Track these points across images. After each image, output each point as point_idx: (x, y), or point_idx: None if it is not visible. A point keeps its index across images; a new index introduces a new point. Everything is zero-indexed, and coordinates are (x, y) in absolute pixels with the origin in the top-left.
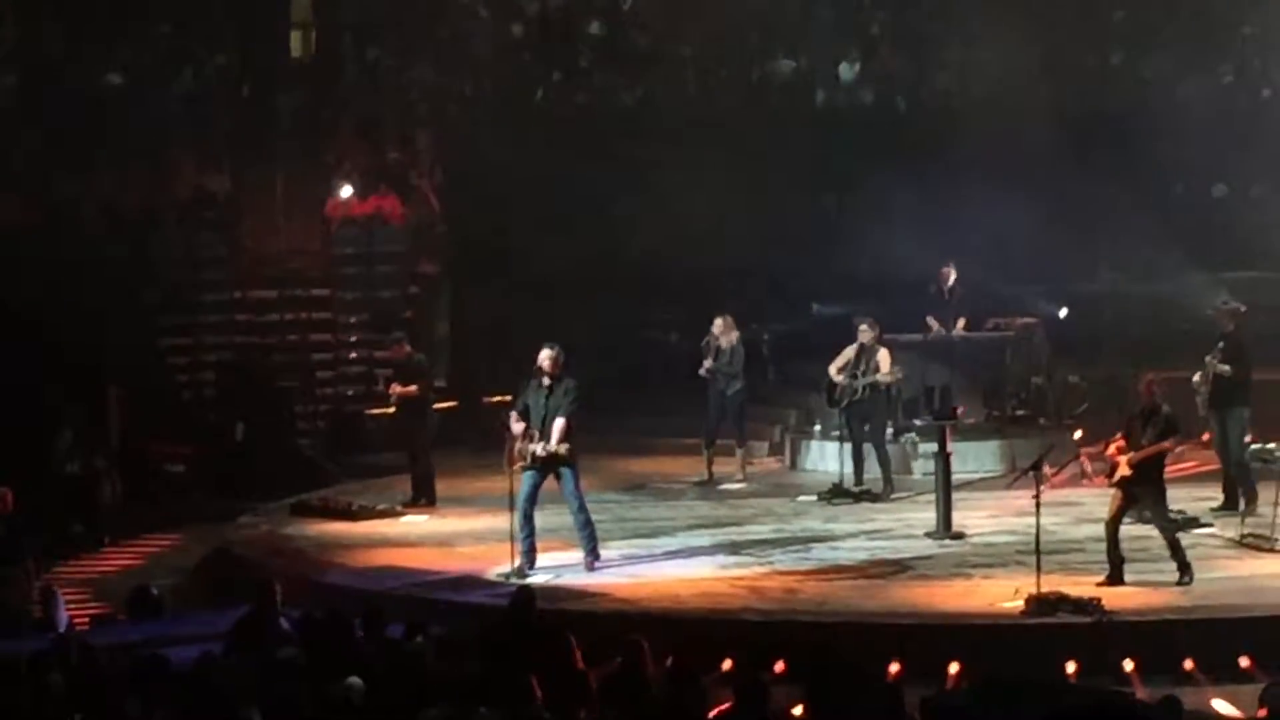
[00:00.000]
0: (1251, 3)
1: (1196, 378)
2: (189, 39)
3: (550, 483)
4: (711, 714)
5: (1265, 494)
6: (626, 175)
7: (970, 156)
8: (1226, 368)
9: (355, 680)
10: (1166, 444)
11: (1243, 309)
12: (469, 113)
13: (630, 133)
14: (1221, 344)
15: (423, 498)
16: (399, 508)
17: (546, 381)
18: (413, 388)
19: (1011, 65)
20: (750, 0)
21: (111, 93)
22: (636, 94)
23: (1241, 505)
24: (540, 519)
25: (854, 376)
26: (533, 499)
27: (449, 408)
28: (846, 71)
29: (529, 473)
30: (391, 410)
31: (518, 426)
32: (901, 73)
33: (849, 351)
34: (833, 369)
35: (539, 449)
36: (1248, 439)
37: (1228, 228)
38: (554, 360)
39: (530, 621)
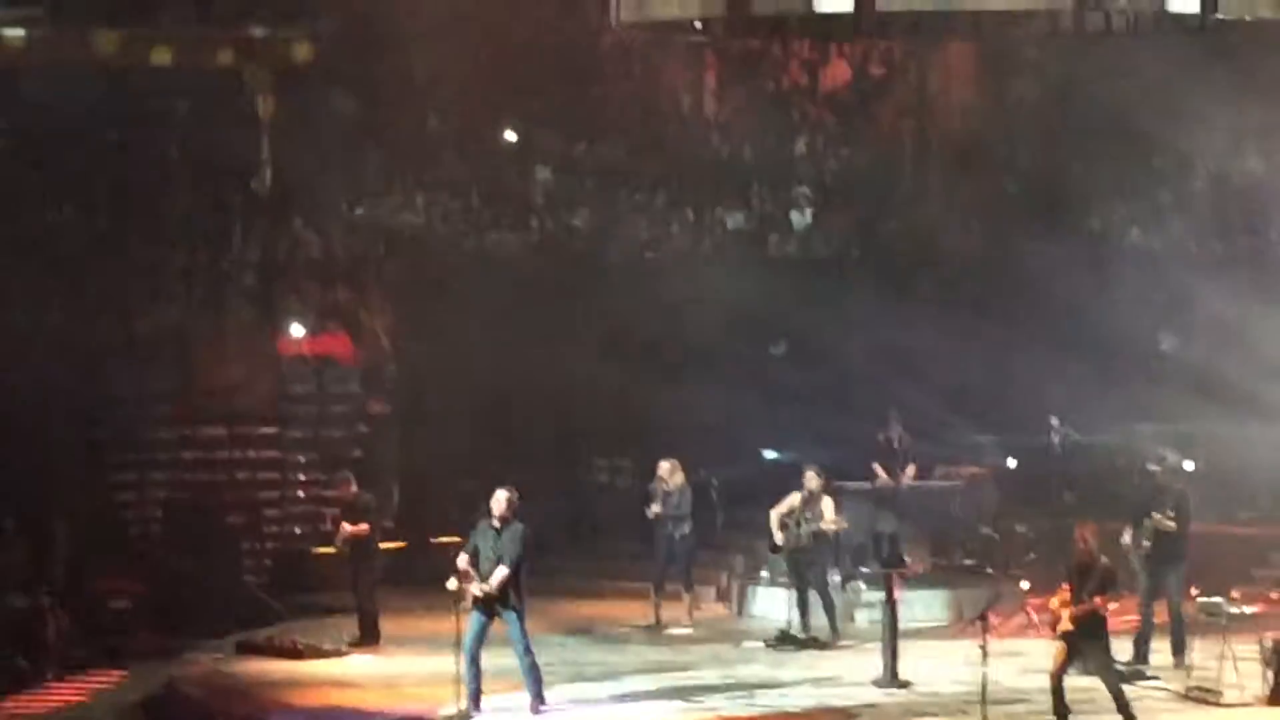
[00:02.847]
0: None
1: (1127, 537)
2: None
3: (500, 624)
4: None
5: (1210, 648)
6: (581, 313)
7: (918, 307)
8: (1172, 524)
9: None
10: (1100, 600)
11: (1180, 465)
12: (421, 253)
13: (581, 276)
14: (1171, 504)
15: (368, 637)
16: (344, 647)
17: (497, 524)
18: (362, 527)
19: (949, 218)
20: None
21: (64, 224)
22: (585, 235)
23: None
24: (487, 660)
25: (799, 524)
26: (479, 640)
27: (398, 548)
28: (799, 220)
29: (475, 614)
30: (336, 550)
31: (463, 569)
32: (852, 221)
33: (794, 498)
34: (774, 515)
35: (476, 589)
36: (1193, 591)
37: (1174, 379)
38: (509, 503)
39: None
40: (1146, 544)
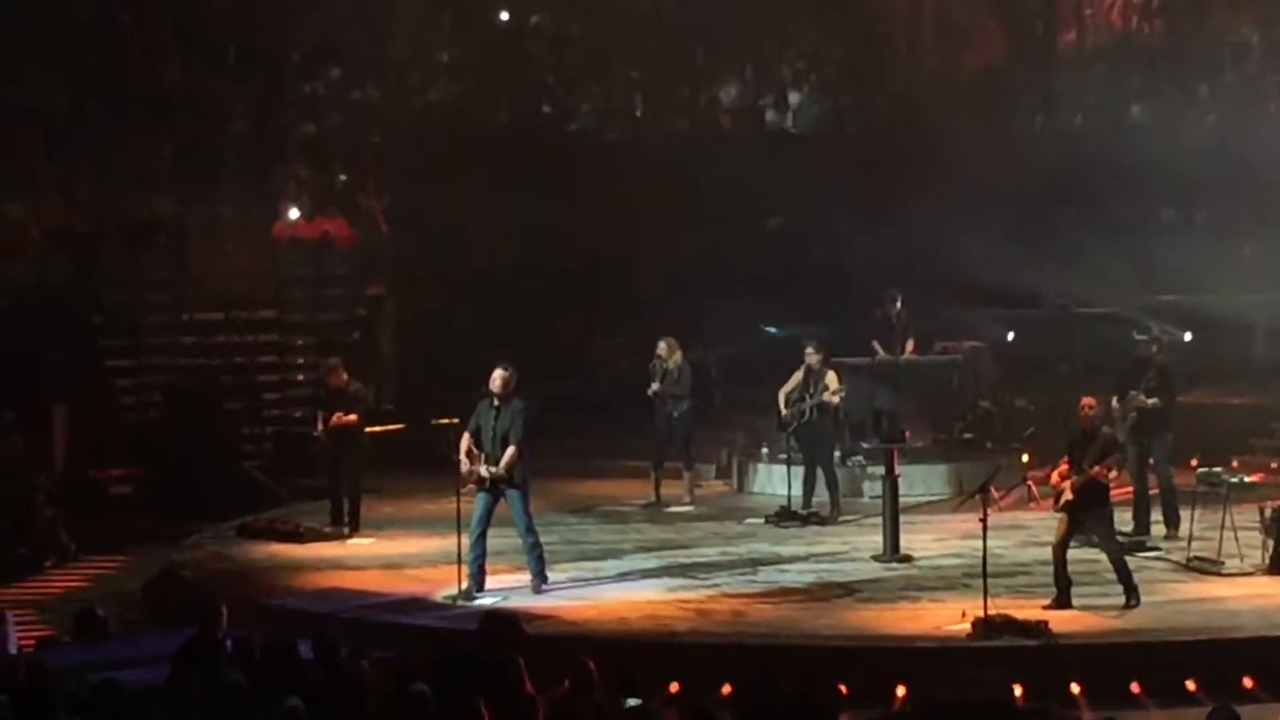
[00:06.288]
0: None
1: (1115, 404)
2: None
3: (503, 505)
4: None
5: (1211, 518)
6: (576, 198)
7: (920, 181)
8: (1155, 400)
9: (296, 702)
10: (1100, 469)
11: (1163, 338)
12: (418, 135)
13: (578, 156)
14: (1154, 379)
15: (352, 525)
16: (345, 530)
17: (496, 402)
18: (352, 417)
19: (959, 95)
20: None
21: (58, 114)
22: (585, 117)
23: (1176, 529)
24: (488, 541)
25: (802, 399)
26: (485, 521)
27: (397, 430)
28: (794, 96)
29: (481, 495)
30: (317, 437)
31: (466, 448)
32: (849, 96)
33: (797, 375)
34: (782, 394)
35: (483, 471)
36: (1193, 462)
37: (1174, 251)
38: (505, 381)
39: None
40: (1132, 415)
